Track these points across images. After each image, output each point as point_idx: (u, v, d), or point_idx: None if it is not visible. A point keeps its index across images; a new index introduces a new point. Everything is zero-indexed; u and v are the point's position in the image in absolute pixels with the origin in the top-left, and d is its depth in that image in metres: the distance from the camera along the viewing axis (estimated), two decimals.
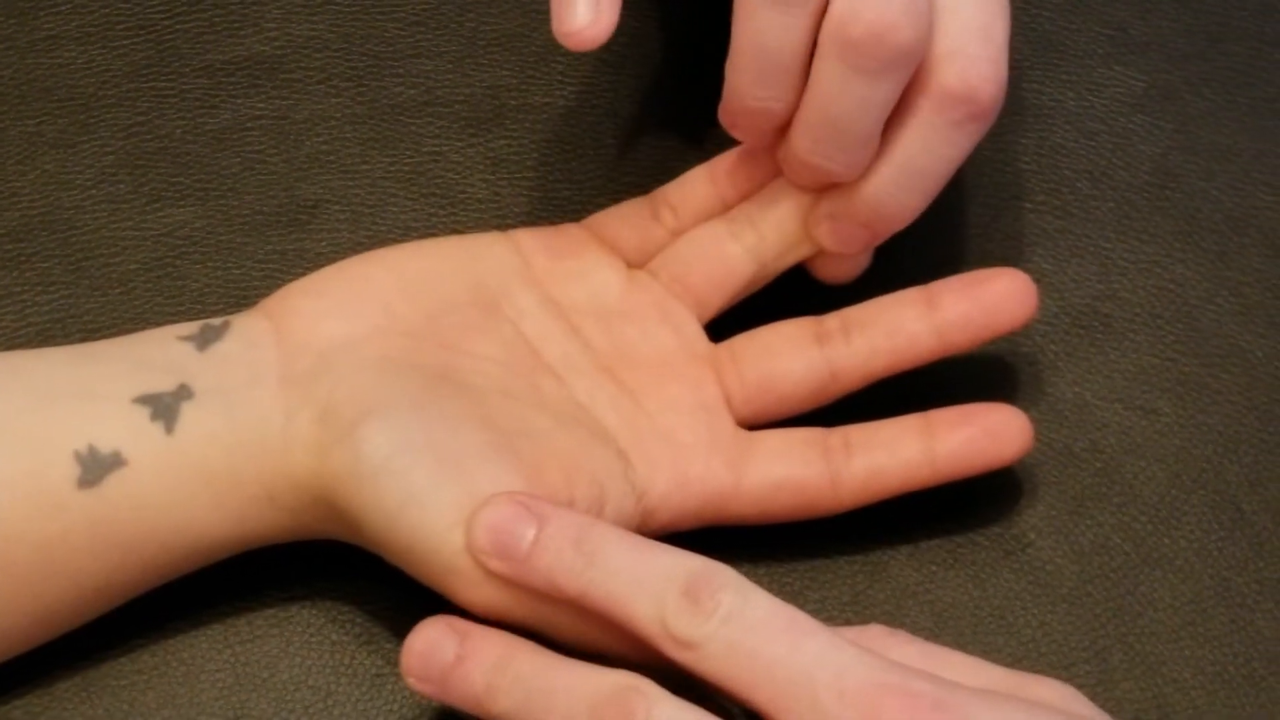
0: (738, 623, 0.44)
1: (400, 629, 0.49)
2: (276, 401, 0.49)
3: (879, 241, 0.53)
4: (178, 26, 0.61)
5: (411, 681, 0.47)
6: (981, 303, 0.52)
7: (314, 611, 0.52)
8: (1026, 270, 0.57)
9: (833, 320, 0.53)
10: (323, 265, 0.53)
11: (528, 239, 0.54)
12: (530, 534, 0.46)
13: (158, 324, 0.55)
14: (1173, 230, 0.58)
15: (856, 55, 0.49)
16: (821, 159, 0.51)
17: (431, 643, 0.47)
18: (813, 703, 0.43)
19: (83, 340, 0.55)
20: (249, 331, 0.50)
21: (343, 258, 0.56)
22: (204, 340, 0.50)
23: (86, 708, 0.50)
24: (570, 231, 0.55)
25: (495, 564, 0.46)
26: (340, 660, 0.51)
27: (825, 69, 0.50)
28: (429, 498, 0.47)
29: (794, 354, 0.52)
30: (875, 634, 0.47)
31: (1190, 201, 0.59)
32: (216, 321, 0.51)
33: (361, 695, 0.51)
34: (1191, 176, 0.59)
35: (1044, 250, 0.58)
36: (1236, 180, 0.59)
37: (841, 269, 0.54)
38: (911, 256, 0.56)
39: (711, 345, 0.54)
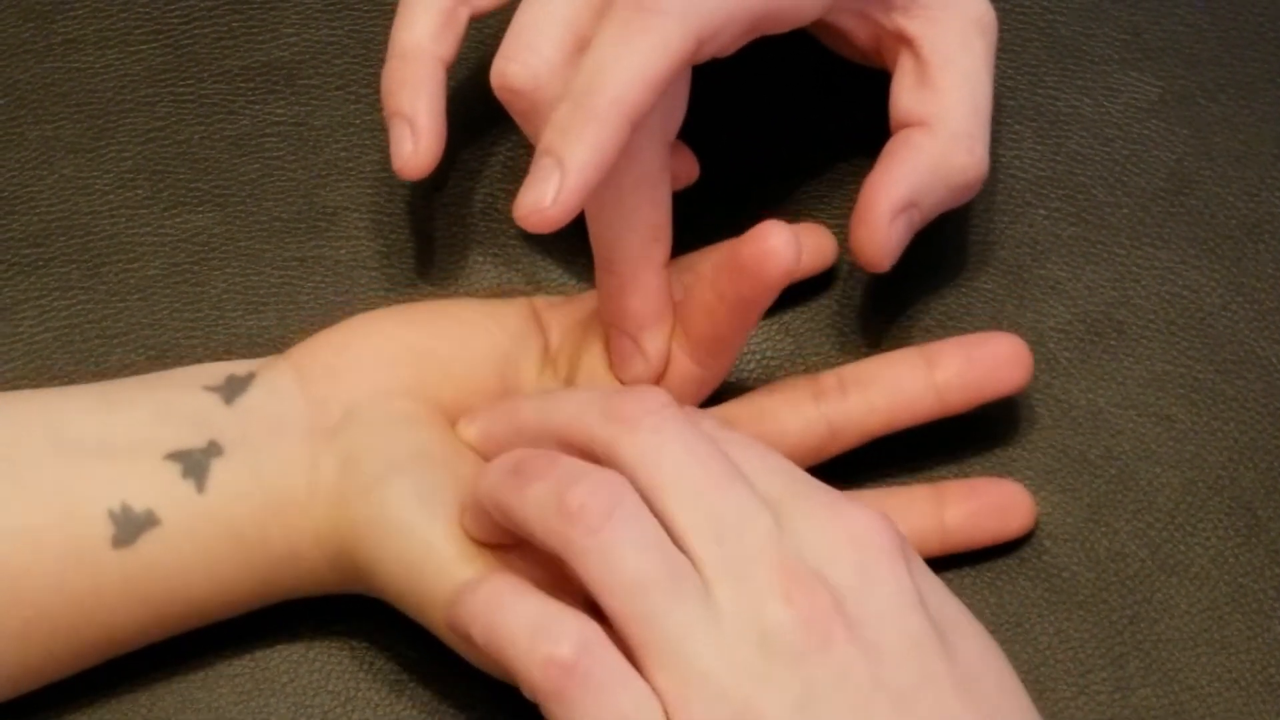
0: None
1: (421, 634, 0.49)
2: (302, 454, 0.49)
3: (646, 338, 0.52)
4: (196, 32, 0.61)
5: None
6: (979, 365, 0.52)
7: (334, 616, 0.52)
8: (1041, 276, 0.57)
9: (830, 378, 0.53)
10: (341, 273, 0.53)
11: (546, 311, 0.54)
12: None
13: (176, 329, 0.56)
14: (1188, 236, 0.58)
15: None
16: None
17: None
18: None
19: (101, 344, 0.56)
20: (275, 383, 0.50)
21: (361, 265, 0.56)
22: (230, 392, 0.50)
23: (104, 712, 0.51)
24: (584, 302, 0.54)
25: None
26: (360, 665, 0.52)
27: None
28: (451, 552, 0.48)
29: (790, 415, 0.52)
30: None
31: (1206, 207, 0.59)
32: (241, 372, 0.51)
33: (381, 700, 0.51)
34: (1207, 182, 0.59)
35: (1059, 256, 0.58)
36: (1252, 186, 0.59)
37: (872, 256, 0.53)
38: (924, 264, 0.56)
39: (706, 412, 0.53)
